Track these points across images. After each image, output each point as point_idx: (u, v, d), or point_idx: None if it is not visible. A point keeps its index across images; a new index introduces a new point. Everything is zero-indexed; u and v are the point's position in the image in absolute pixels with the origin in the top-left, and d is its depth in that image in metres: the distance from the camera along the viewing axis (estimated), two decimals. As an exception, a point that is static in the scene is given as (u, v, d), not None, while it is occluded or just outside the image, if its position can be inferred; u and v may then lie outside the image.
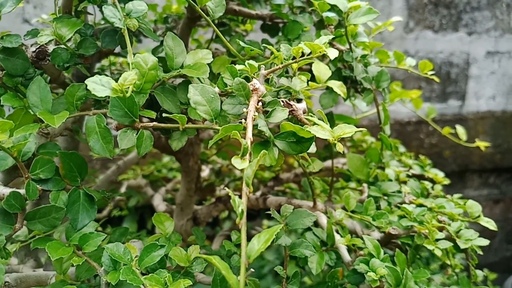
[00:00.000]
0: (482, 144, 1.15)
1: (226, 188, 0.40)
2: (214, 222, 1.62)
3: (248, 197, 0.91)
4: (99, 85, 0.40)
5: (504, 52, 2.12)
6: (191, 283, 0.44)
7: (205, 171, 1.33)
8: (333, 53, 0.47)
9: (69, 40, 0.48)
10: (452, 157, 2.17)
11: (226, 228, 1.29)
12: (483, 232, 0.70)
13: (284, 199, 0.81)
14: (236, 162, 0.40)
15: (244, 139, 0.42)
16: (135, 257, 0.46)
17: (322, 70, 0.61)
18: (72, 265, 0.59)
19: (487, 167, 2.24)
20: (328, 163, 0.94)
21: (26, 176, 0.47)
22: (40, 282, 0.61)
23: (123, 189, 1.23)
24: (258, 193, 0.95)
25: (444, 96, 2.14)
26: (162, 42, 0.84)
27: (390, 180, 0.78)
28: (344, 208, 0.69)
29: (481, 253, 0.67)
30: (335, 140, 0.44)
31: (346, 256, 0.63)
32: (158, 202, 1.14)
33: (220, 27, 0.88)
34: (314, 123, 0.45)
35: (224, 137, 1.22)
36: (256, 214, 1.65)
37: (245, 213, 0.37)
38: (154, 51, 0.72)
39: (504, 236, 2.33)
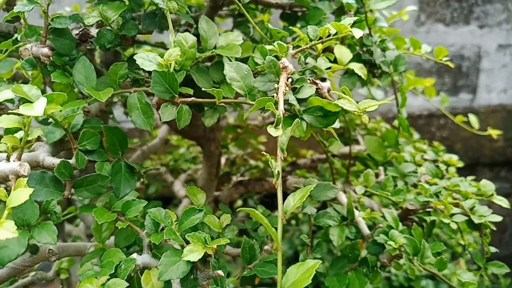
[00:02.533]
0: (494, 132, 1.17)
1: (263, 153, 0.44)
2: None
3: (267, 181, 0.95)
4: (146, 60, 0.44)
5: (516, 45, 2.13)
6: (229, 241, 0.48)
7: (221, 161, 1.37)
8: (358, 33, 0.51)
9: (112, 22, 0.52)
10: (463, 150, 2.19)
11: (241, 215, 1.33)
12: (496, 225, 0.73)
13: (303, 180, 0.85)
14: (271, 130, 0.44)
15: (277, 111, 0.46)
16: (175, 221, 0.50)
17: (344, 53, 0.65)
18: (111, 235, 0.64)
19: (498, 161, 2.25)
20: (344, 149, 0.97)
21: (75, 147, 0.51)
22: (79, 252, 0.65)
23: (142, 177, 1.27)
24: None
25: (455, 90, 2.15)
26: (185, 30, 0.89)
27: (406, 162, 0.81)
28: (363, 187, 0.72)
29: (494, 228, 0.70)
30: (360, 112, 0.47)
31: (366, 230, 0.67)
32: (179, 188, 1.18)
33: (239, 17, 0.92)
34: (340, 97, 0.49)
35: (243, 124, 1.25)
36: (271, 201, 1.69)
37: (280, 174, 0.41)
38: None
39: (515, 229, 2.35)
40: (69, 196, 0.52)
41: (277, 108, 0.46)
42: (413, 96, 1.14)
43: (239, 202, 1.61)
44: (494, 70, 2.14)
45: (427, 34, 2.02)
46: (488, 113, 2.19)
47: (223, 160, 1.37)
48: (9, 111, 0.47)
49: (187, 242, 0.47)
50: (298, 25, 0.80)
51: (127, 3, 0.58)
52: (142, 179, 1.19)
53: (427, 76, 2.06)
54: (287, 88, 0.50)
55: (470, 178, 0.86)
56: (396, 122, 0.87)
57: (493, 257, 0.73)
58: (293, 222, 1.74)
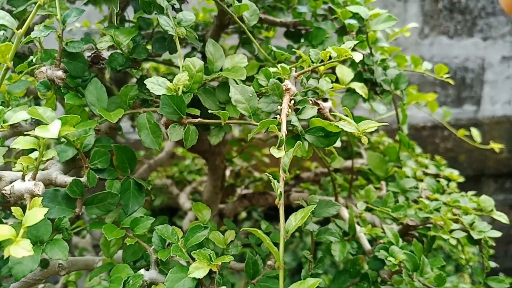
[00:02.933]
0: (496, 146, 1.18)
1: (267, 174, 0.46)
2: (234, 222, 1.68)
3: (271, 195, 0.97)
4: (156, 85, 0.47)
5: (519, 57, 2.14)
6: (233, 259, 0.49)
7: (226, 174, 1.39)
8: (358, 56, 0.53)
9: (123, 46, 0.55)
10: (467, 161, 2.19)
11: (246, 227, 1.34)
12: (501, 237, 0.74)
13: (306, 195, 0.87)
14: (274, 152, 0.46)
15: (280, 132, 0.48)
16: (181, 237, 0.52)
17: (345, 73, 0.67)
18: (119, 249, 0.66)
19: (503, 172, 2.25)
20: (347, 163, 0.99)
21: (86, 166, 0.53)
22: (88, 266, 0.67)
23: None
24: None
25: (459, 101, 2.17)
26: (193, 48, 0.91)
27: (408, 177, 0.83)
28: (365, 203, 0.74)
29: (493, 244, 0.71)
30: (360, 133, 0.49)
31: (367, 245, 0.68)
32: (184, 200, 1.20)
33: (244, 34, 0.95)
34: (341, 119, 0.50)
35: (247, 139, 1.27)
36: (275, 214, 1.70)
37: (283, 195, 0.43)
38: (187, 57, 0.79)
39: (521, 241, 2.33)
40: (80, 213, 0.54)
41: (279, 130, 0.48)
42: (416, 107, 1.16)
43: (243, 214, 1.63)
44: (498, 82, 2.15)
45: (431, 47, 2.04)
46: (493, 124, 2.19)
47: (227, 172, 1.39)
48: (25, 132, 0.49)
49: (193, 259, 0.49)
50: (302, 44, 0.82)
51: (136, 26, 0.61)
52: (152, 195, 1.22)
53: (431, 88, 2.07)
54: (290, 110, 0.52)
55: (470, 193, 0.87)
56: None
57: (498, 269, 0.73)
58: (297, 234, 1.76)
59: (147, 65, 1.12)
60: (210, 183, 1.04)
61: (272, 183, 0.42)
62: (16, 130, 0.61)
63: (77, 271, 0.83)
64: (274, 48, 0.63)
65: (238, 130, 1.37)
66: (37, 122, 0.60)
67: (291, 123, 0.51)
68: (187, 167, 1.52)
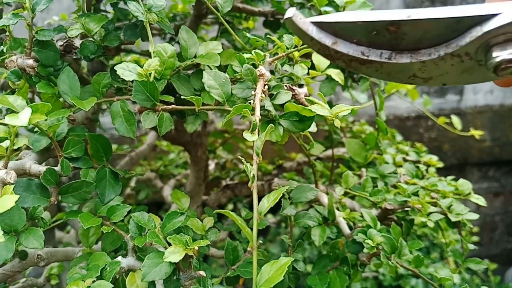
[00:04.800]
0: (476, 133, 1.20)
1: (239, 157, 0.46)
2: (219, 218, 1.68)
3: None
4: (126, 71, 0.46)
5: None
6: (209, 243, 0.49)
7: (211, 166, 1.38)
8: (330, 41, 0.53)
9: (95, 34, 0.55)
10: (451, 150, 2.22)
11: (231, 219, 1.34)
12: (486, 224, 0.75)
13: (286, 182, 0.87)
14: (247, 135, 0.46)
15: (253, 117, 0.48)
16: (158, 224, 0.52)
17: (321, 59, 0.67)
18: (98, 240, 0.65)
19: (486, 161, 2.29)
20: (328, 152, 1.00)
21: (60, 154, 0.53)
22: (67, 257, 0.67)
23: (132, 183, 1.29)
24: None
25: (442, 91, 2.19)
26: (170, 38, 0.91)
27: (387, 163, 0.84)
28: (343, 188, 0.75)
29: (471, 226, 0.72)
30: (333, 117, 0.50)
31: (346, 230, 0.69)
32: (168, 193, 1.19)
33: (224, 25, 0.95)
34: (314, 103, 0.51)
35: (230, 129, 1.27)
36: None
37: (256, 178, 0.43)
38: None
39: (505, 228, 2.38)
40: (55, 202, 0.54)
41: (253, 114, 0.48)
42: (400, 98, 1.18)
43: (230, 206, 1.63)
44: (480, 72, 2.17)
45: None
46: (475, 113, 2.22)
47: (213, 165, 1.38)
48: (-5, 122, 0.49)
49: (170, 245, 0.49)
50: (281, 33, 0.82)
51: (109, 15, 0.60)
52: (131, 186, 1.22)
53: (414, 79, 2.09)
54: (264, 95, 0.53)
55: (449, 178, 0.89)
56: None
57: (483, 255, 0.75)
58: (283, 225, 1.76)
59: (128, 58, 1.11)
60: (193, 174, 1.04)
61: (244, 166, 0.43)
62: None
63: (60, 264, 0.83)
64: (249, 35, 0.63)
65: (222, 123, 1.37)
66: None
67: (265, 108, 0.52)
68: (172, 161, 1.52)
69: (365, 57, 0.36)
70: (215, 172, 1.40)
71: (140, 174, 0.70)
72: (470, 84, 0.44)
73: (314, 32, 0.36)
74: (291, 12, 0.35)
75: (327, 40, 0.36)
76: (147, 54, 0.97)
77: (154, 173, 1.37)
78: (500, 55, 0.32)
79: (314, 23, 0.36)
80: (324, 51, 0.37)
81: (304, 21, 0.36)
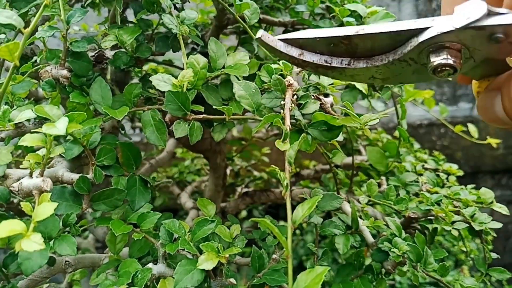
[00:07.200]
0: (493, 141, 1.20)
1: (273, 166, 0.47)
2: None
3: (273, 192, 0.97)
4: (162, 82, 0.48)
5: (513, 54, 2.16)
6: (240, 251, 0.50)
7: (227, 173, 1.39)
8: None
9: (127, 45, 0.56)
10: (464, 158, 2.21)
11: (247, 226, 1.35)
12: (499, 233, 0.75)
13: (308, 191, 0.88)
14: (280, 145, 0.47)
15: (284, 126, 0.49)
16: (188, 231, 0.53)
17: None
18: (124, 247, 0.66)
19: (499, 169, 2.27)
20: (347, 160, 1.00)
21: (93, 162, 0.54)
22: (94, 263, 0.68)
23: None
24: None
25: (455, 99, 2.18)
26: (192, 48, 0.92)
27: (408, 171, 0.84)
28: (367, 196, 0.75)
29: (494, 234, 0.72)
30: (362, 126, 0.50)
31: (370, 238, 0.69)
32: (186, 200, 1.20)
33: (243, 34, 0.96)
34: (343, 112, 0.51)
35: (248, 137, 1.28)
36: (275, 212, 1.71)
37: (289, 187, 0.44)
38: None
39: (519, 237, 2.35)
40: (86, 210, 0.55)
41: (284, 124, 0.49)
42: (413, 106, 1.18)
43: (244, 213, 1.63)
44: (493, 79, 2.16)
45: (425, 45, 2.05)
46: (488, 121, 2.20)
47: (227, 171, 1.39)
48: (32, 130, 0.50)
49: (201, 252, 0.50)
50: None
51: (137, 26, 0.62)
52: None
53: (426, 86, 2.09)
54: (293, 104, 0.53)
55: (470, 186, 0.89)
56: (397, 133, 0.90)
57: (497, 264, 0.75)
58: (297, 232, 1.76)
59: (145, 67, 1.12)
60: (212, 181, 1.05)
61: (278, 175, 0.43)
62: (20, 130, 0.62)
63: (82, 270, 0.83)
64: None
65: (237, 129, 1.38)
66: (40, 123, 0.61)
67: (295, 117, 0.52)
68: (187, 168, 1.53)
69: (328, 64, 0.42)
70: (229, 179, 1.41)
71: (167, 182, 0.71)
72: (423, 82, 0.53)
73: (282, 47, 0.42)
74: (260, 33, 0.41)
75: (294, 52, 0.42)
76: (166, 63, 0.98)
77: (171, 180, 1.38)
78: (435, 60, 0.37)
79: (282, 39, 0.42)
80: (293, 61, 0.43)
81: (273, 39, 0.42)
